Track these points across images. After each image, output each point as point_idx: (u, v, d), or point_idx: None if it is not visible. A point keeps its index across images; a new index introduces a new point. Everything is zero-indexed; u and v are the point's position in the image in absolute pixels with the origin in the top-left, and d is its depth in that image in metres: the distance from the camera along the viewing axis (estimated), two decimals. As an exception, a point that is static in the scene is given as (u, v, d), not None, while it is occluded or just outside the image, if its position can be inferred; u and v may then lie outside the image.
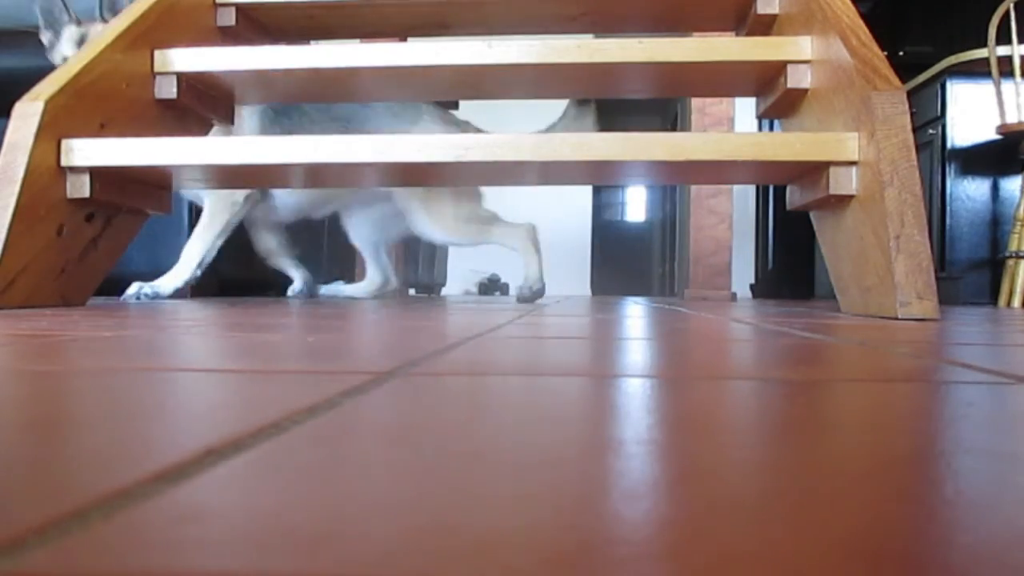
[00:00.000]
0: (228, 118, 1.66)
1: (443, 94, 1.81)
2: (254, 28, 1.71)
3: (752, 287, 4.08)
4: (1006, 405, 0.34)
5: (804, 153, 1.23)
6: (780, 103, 1.48)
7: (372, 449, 0.23)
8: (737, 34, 1.75)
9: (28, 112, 1.20)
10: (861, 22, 1.28)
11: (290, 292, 2.19)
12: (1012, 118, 2.48)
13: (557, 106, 4.84)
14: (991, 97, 2.51)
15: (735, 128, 2.93)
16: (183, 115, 1.54)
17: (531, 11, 1.75)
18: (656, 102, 6.78)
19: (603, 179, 1.60)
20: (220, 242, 1.90)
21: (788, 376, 0.44)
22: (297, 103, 1.92)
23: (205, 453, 0.22)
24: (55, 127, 1.23)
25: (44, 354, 0.51)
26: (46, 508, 0.17)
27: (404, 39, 2.12)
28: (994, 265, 2.65)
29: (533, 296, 1.96)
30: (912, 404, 0.34)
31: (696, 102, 2.92)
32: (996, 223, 2.69)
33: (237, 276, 2.25)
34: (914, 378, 0.43)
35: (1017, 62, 2.41)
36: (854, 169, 1.21)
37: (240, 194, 1.89)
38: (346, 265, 2.80)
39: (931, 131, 2.77)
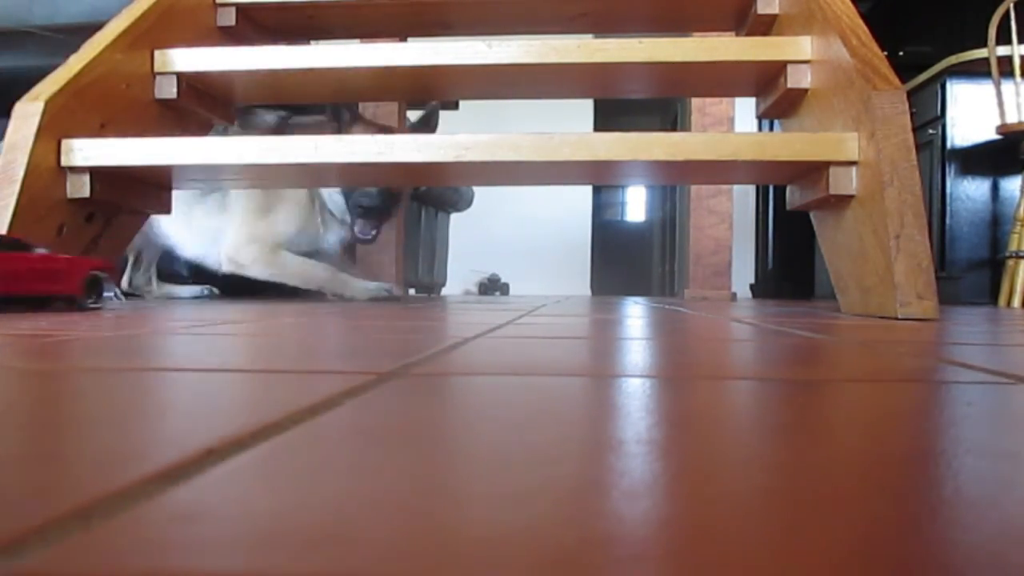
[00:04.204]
0: (228, 118, 1.66)
1: (443, 94, 1.81)
2: (254, 28, 1.71)
3: (752, 287, 4.08)
4: (1006, 405, 0.34)
5: (804, 153, 1.23)
6: (780, 103, 1.48)
7: (372, 449, 0.23)
8: (737, 34, 1.75)
9: (28, 112, 1.20)
10: (861, 22, 1.28)
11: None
12: (1012, 118, 2.48)
13: (557, 106, 4.84)
14: (991, 97, 2.51)
15: (735, 128, 2.93)
16: (183, 115, 1.54)
17: (531, 11, 1.75)
18: (656, 102, 6.78)
19: (603, 179, 1.60)
20: None
21: (788, 376, 0.44)
22: (297, 103, 1.92)
23: (205, 453, 0.22)
24: (55, 127, 1.23)
25: (44, 354, 0.51)
26: (46, 508, 0.17)
27: (404, 39, 2.12)
28: (994, 265, 2.65)
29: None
30: (912, 404, 0.34)
31: (696, 102, 2.92)
32: (996, 223, 2.69)
33: (237, 275, 2.25)
34: (914, 378, 0.43)
35: (1017, 62, 2.41)
36: (854, 169, 1.21)
37: None
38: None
39: (931, 131, 2.77)
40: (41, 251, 1.08)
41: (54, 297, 1.09)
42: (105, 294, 1.16)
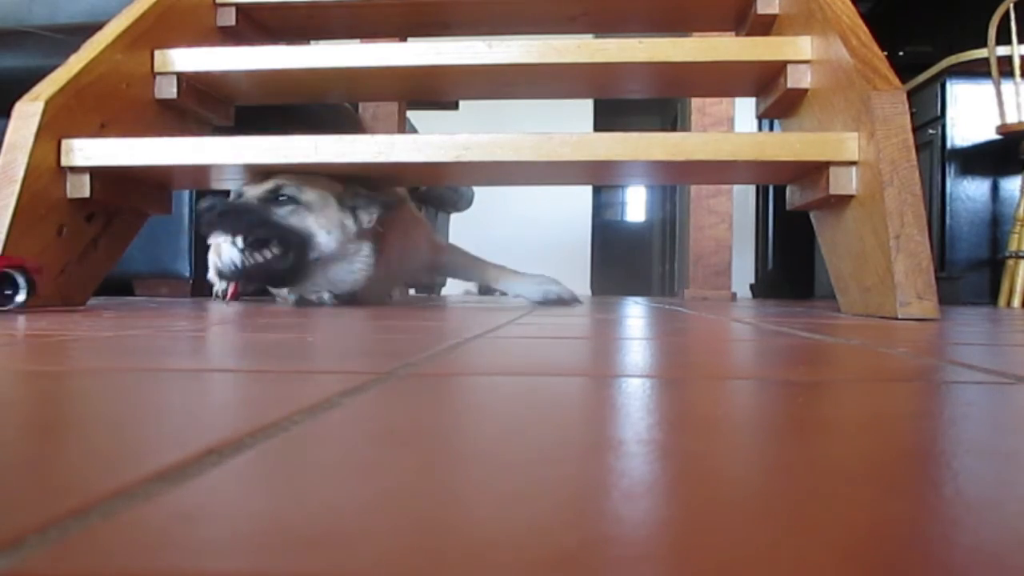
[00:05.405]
0: (228, 118, 1.66)
1: (443, 94, 1.81)
2: (254, 28, 1.71)
3: (752, 287, 4.08)
4: (1006, 405, 0.34)
5: (804, 153, 1.23)
6: (780, 103, 1.48)
7: (372, 449, 0.23)
8: (737, 34, 1.75)
9: (28, 112, 1.20)
10: (861, 22, 1.28)
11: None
12: (1012, 118, 2.48)
13: (557, 106, 4.84)
14: (991, 97, 2.51)
15: (735, 128, 2.93)
16: (183, 115, 1.54)
17: (531, 11, 1.75)
18: (656, 102, 6.78)
19: (603, 179, 1.60)
20: None
21: (788, 376, 0.44)
22: (297, 103, 1.92)
23: (205, 453, 0.22)
24: (55, 127, 1.23)
25: (44, 354, 0.51)
26: (46, 508, 0.17)
27: (404, 39, 2.12)
28: (994, 265, 2.65)
29: None
30: (912, 404, 0.34)
31: (696, 102, 2.92)
32: (996, 223, 2.69)
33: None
34: (914, 378, 0.43)
35: (1017, 62, 2.41)
36: (854, 169, 1.21)
37: None
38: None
39: (931, 131, 2.77)
40: None
41: None
42: (19, 297, 1.04)
